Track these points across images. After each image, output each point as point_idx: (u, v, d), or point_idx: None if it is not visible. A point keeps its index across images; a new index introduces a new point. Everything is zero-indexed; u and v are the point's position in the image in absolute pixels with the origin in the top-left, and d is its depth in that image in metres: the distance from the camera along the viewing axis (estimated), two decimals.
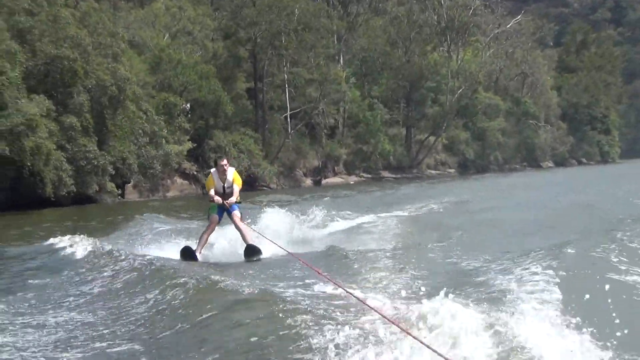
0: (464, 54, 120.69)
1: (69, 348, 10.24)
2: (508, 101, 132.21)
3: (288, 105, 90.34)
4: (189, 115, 74.47)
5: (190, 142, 71.94)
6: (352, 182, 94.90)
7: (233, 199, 19.92)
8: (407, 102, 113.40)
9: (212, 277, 13.85)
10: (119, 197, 63.49)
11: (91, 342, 10.61)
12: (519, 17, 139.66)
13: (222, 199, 19.90)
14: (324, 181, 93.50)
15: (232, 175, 20.18)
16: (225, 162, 20.15)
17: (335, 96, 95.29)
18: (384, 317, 7.90)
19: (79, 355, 9.80)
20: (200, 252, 19.41)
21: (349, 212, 32.35)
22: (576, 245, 14.46)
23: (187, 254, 19.23)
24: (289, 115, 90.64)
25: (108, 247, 20.87)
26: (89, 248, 20.90)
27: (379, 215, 31.97)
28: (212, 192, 20.11)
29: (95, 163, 58.48)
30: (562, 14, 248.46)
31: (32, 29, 58.80)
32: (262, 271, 16.44)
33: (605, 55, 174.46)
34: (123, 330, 11.26)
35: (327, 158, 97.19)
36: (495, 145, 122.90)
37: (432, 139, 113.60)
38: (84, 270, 18.02)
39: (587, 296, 9.93)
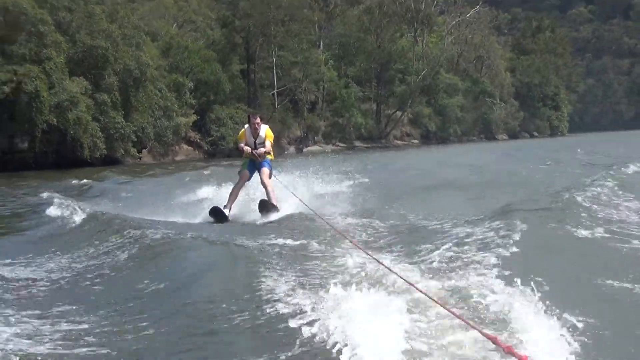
0: (428, 40, 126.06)
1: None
2: (467, 81, 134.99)
3: (275, 83, 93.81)
4: (193, 93, 79.34)
5: (194, 115, 77.65)
6: (329, 151, 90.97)
7: (263, 150, 18.40)
8: (378, 81, 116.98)
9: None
10: (138, 159, 70.31)
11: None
12: (477, 7, 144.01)
13: (251, 149, 18.47)
14: (305, 149, 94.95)
15: (265, 131, 18.60)
16: (258, 119, 18.61)
17: (315, 76, 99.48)
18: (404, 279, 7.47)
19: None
20: (230, 208, 18.12)
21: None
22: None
23: (217, 214, 17.98)
24: (276, 93, 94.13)
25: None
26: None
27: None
28: (242, 144, 18.62)
29: (122, 132, 66.31)
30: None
31: (71, 23, 65.84)
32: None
33: (557, 39, 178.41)
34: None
35: (308, 129, 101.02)
36: (455, 119, 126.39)
37: (398, 113, 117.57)
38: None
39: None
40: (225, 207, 18.08)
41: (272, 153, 18.96)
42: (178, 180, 34.32)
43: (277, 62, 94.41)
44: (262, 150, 18.45)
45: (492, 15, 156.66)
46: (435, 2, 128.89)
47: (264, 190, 18.41)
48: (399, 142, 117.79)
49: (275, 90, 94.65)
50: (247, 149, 18.42)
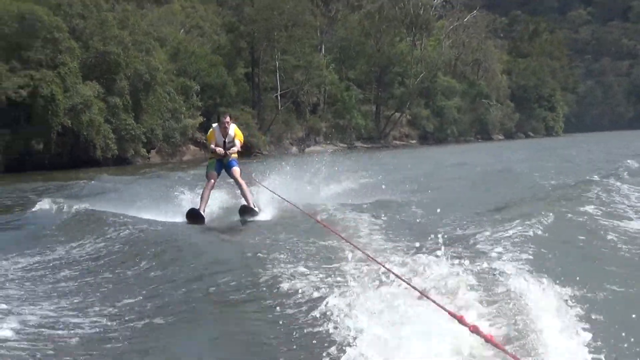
0: (426, 44, 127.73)
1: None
2: (464, 84, 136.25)
3: (279, 86, 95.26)
4: (200, 96, 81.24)
5: (201, 117, 78.64)
6: (330, 151, 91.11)
7: (234, 149, 18.26)
8: (378, 84, 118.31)
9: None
10: (147, 160, 71.85)
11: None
12: (475, 11, 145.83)
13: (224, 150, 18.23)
14: (307, 149, 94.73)
15: (234, 130, 18.38)
16: (228, 119, 18.38)
17: (317, 79, 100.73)
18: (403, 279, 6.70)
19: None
20: (203, 210, 17.74)
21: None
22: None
23: (194, 216, 17.62)
24: (279, 95, 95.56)
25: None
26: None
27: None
28: (212, 145, 18.38)
29: (132, 133, 68.44)
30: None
31: (84, 30, 68.12)
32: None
33: (554, 42, 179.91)
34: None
35: (310, 130, 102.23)
36: (452, 120, 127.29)
37: (397, 115, 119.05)
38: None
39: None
40: (199, 209, 17.78)
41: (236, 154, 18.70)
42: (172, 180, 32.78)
43: (280, 66, 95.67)
44: (234, 149, 18.32)
45: (489, 20, 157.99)
46: (433, 7, 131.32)
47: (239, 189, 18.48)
48: (397, 142, 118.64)
49: (279, 92, 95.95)
50: (220, 149, 18.20)
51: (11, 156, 61.78)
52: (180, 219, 17.92)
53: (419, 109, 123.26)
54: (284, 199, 16.13)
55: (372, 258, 7.95)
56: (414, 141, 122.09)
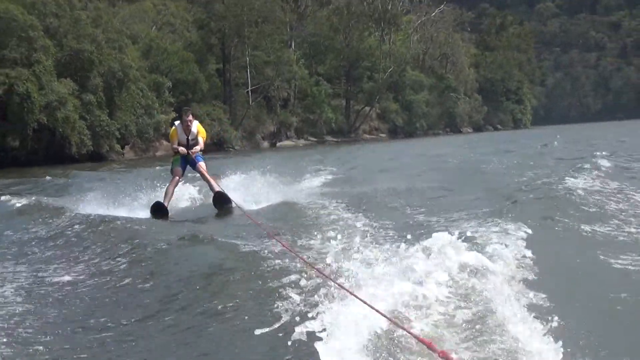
0: (395, 39, 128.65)
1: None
2: (432, 78, 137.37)
3: (249, 82, 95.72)
4: (172, 92, 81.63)
5: (174, 112, 76.20)
6: (301, 145, 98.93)
7: (197, 148, 18.09)
8: (347, 78, 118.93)
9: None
10: (122, 155, 72.60)
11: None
12: (442, 6, 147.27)
13: (187, 150, 18.03)
14: (278, 144, 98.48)
15: (197, 127, 18.28)
16: (190, 117, 18.18)
17: (287, 74, 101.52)
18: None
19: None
20: (167, 205, 17.40)
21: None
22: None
23: (158, 209, 17.21)
24: (250, 90, 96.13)
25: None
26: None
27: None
28: (174, 144, 18.22)
29: (107, 129, 68.88)
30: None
31: (59, 29, 68.56)
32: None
33: (522, 35, 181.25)
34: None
35: (281, 125, 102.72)
36: (421, 114, 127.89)
37: (367, 109, 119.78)
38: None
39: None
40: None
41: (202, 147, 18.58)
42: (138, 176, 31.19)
43: (251, 62, 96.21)
44: (197, 148, 18.16)
45: (456, 14, 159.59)
46: (401, 2, 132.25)
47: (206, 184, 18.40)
48: (367, 136, 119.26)
49: (250, 88, 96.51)
50: (183, 149, 18.02)
51: None
52: (142, 214, 17.54)
53: (388, 103, 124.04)
54: (239, 206, 16.22)
55: (325, 275, 7.78)
56: (383, 135, 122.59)
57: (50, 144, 65.58)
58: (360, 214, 14.83)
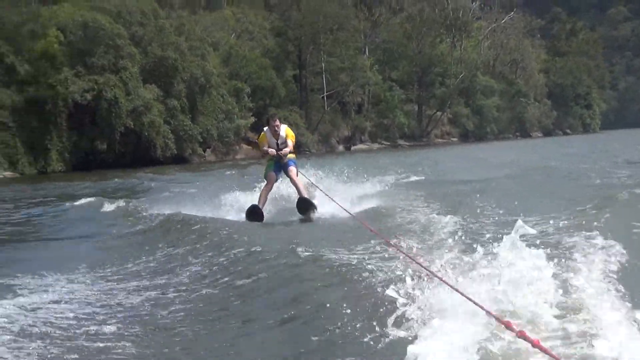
0: (465, 45, 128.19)
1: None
2: (502, 83, 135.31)
3: (325, 87, 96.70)
4: (251, 97, 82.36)
5: (252, 117, 79.99)
6: (375, 148, 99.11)
7: (287, 150, 17.64)
8: (419, 84, 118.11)
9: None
10: (203, 158, 74.16)
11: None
12: (512, 13, 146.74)
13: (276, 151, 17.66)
14: (353, 148, 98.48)
15: (285, 131, 17.88)
16: (277, 122, 17.84)
17: (361, 80, 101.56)
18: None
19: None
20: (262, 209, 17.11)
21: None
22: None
23: (254, 212, 16.96)
24: (325, 96, 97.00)
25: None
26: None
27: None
28: (265, 147, 17.80)
29: (190, 133, 70.54)
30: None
31: (144, 37, 70.19)
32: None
33: (590, 41, 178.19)
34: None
35: (355, 129, 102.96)
36: (491, 119, 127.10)
37: (439, 114, 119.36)
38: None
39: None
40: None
41: (295, 151, 18.22)
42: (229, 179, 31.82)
43: (326, 68, 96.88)
44: (286, 150, 17.68)
45: (526, 21, 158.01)
46: (471, 10, 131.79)
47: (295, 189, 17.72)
48: (439, 140, 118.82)
49: (325, 93, 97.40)
50: (272, 151, 17.64)
51: (78, 156, 64.34)
52: (234, 216, 17.63)
53: (460, 108, 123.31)
54: (344, 209, 14.74)
55: (417, 262, 7.36)
56: (455, 139, 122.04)
57: (136, 147, 67.20)
58: (467, 216, 13.62)
